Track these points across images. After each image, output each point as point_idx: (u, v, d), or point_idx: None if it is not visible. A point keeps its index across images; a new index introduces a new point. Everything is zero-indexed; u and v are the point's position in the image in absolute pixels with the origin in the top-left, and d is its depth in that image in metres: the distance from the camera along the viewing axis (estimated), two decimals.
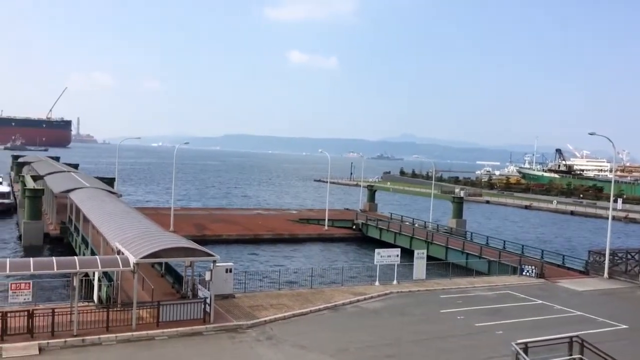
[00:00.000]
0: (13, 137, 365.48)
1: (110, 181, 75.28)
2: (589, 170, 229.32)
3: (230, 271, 32.08)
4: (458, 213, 77.46)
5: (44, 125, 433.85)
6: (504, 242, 54.75)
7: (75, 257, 27.12)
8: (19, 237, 54.73)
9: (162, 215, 63.23)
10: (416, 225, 67.88)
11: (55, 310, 25.03)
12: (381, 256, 37.22)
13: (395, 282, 38.14)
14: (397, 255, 37.74)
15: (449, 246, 53.33)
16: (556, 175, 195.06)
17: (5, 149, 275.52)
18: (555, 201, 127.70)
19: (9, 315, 24.00)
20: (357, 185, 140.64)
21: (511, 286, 39.50)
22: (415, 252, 40.80)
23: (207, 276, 27.50)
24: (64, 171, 72.71)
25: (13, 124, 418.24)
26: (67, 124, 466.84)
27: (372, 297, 34.25)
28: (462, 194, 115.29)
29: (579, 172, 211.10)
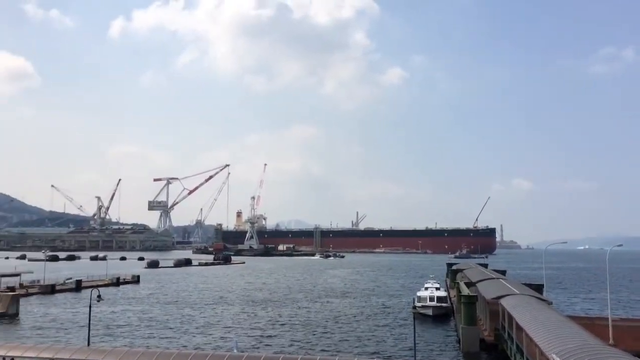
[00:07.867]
0: (461, 247, 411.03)
1: (537, 287, 74.02)
2: None
3: None
4: None
5: (471, 234, 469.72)
6: None
7: None
8: (457, 341, 58.65)
9: (597, 325, 57.60)
10: None
11: None
12: None
13: None
14: None
15: None
16: None
17: (455, 257, 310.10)
18: None
19: None
20: None
21: None
22: None
23: None
24: (493, 278, 75.67)
25: (445, 234, 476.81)
26: (491, 231, 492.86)
27: None
28: None
29: None
